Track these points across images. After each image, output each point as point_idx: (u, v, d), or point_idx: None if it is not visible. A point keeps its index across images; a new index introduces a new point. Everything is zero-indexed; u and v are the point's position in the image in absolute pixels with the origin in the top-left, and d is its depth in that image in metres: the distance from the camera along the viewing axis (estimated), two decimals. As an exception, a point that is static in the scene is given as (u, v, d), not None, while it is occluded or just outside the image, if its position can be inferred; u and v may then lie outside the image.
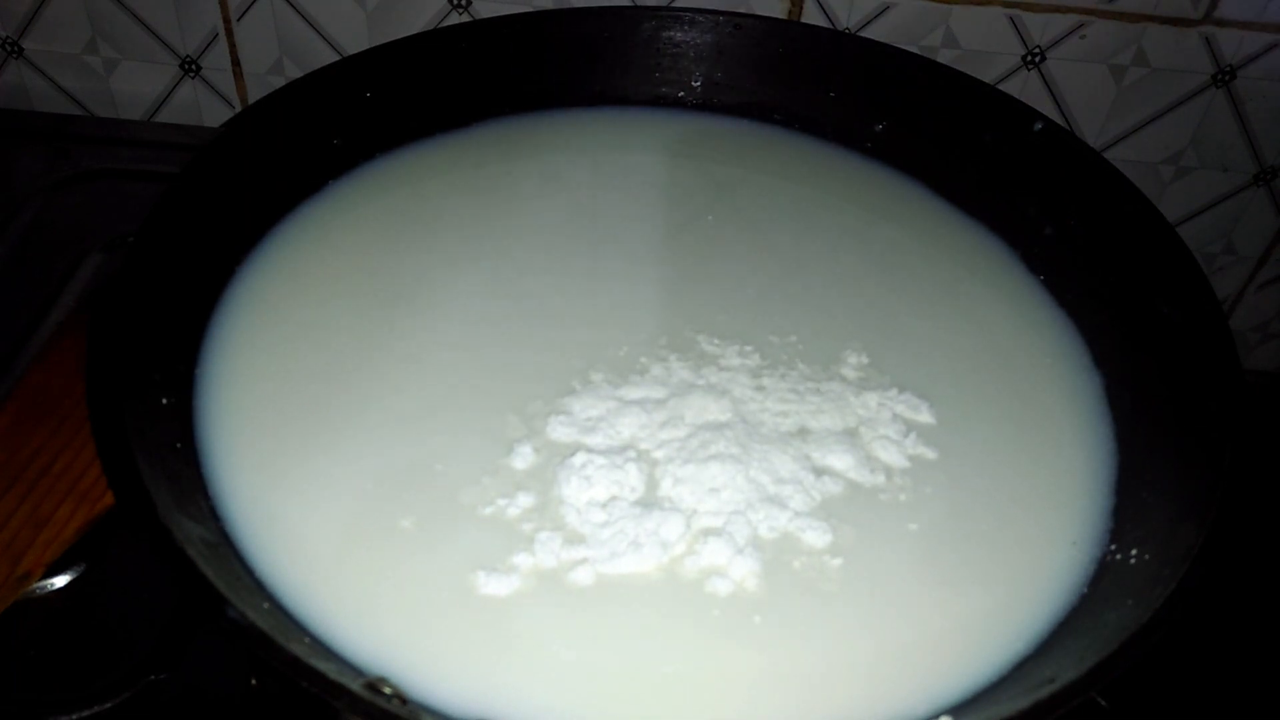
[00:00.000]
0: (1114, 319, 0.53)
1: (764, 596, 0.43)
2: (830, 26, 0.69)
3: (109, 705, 0.45)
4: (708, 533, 0.44)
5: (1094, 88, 0.69)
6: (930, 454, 0.48)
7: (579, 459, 0.45)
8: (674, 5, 0.68)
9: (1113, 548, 0.45)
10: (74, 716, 0.45)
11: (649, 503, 0.45)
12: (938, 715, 0.39)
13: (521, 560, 0.43)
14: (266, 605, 0.41)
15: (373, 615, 0.42)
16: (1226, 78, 0.68)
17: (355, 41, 0.74)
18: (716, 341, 0.52)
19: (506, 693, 0.40)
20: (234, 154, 0.55)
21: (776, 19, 0.68)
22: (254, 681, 0.46)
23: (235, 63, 0.77)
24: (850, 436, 0.48)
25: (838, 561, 0.44)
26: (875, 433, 0.48)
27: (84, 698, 0.45)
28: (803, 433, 0.48)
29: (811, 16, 0.70)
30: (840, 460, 0.47)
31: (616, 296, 0.55)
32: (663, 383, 0.49)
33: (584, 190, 0.62)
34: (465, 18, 0.72)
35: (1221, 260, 0.76)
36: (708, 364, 0.50)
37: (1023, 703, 0.36)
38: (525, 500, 0.45)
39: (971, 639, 0.42)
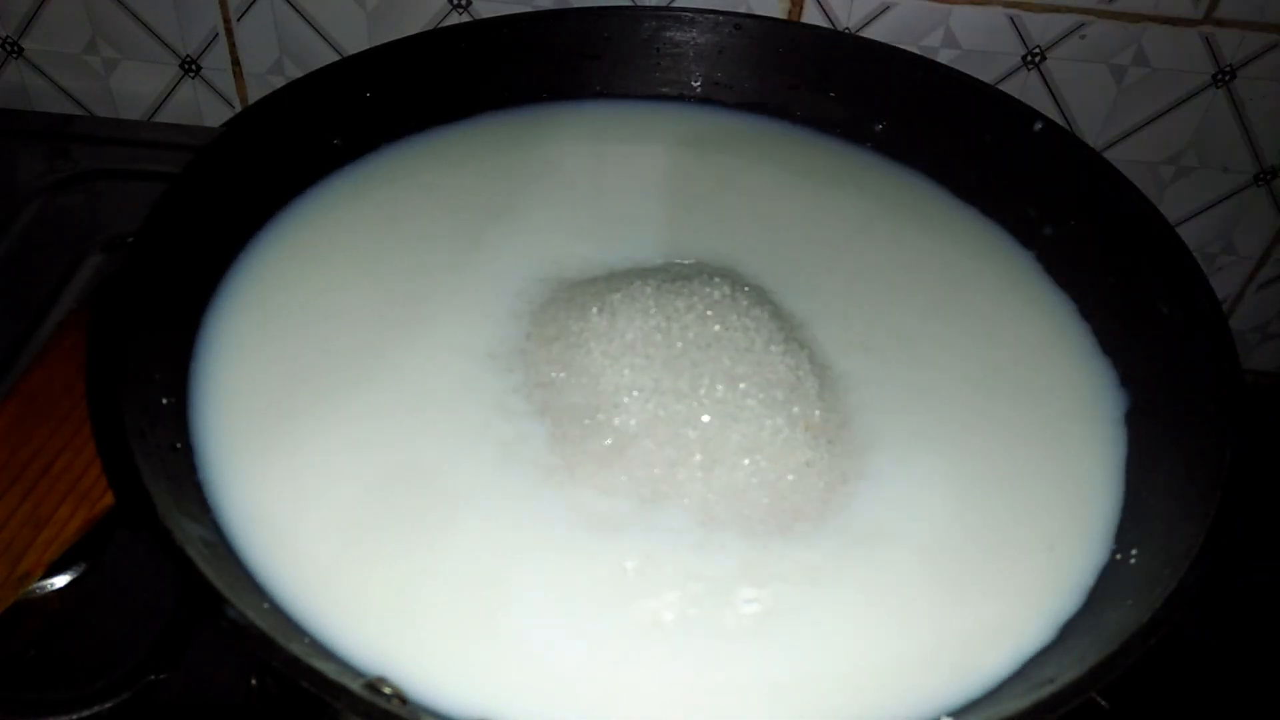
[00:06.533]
0: (1114, 318, 0.53)
1: (761, 598, 0.43)
2: (830, 26, 0.69)
3: (109, 705, 0.45)
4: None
5: (1094, 88, 0.69)
6: (929, 453, 0.48)
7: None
8: (674, 5, 0.68)
9: (1113, 547, 0.45)
10: (74, 716, 0.45)
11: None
12: (938, 717, 0.39)
13: (523, 560, 0.43)
14: (266, 605, 0.41)
15: (373, 616, 0.42)
16: (1226, 78, 0.68)
17: (355, 41, 0.74)
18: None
19: (506, 692, 0.40)
20: (234, 154, 0.55)
21: (776, 19, 0.68)
22: (254, 681, 0.46)
23: (235, 63, 0.77)
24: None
25: (836, 563, 0.44)
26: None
27: (84, 698, 0.45)
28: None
29: (811, 16, 0.70)
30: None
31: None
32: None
33: (586, 183, 0.62)
34: (465, 18, 0.72)
35: (1221, 260, 0.76)
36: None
37: (1023, 703, 0.36)
38: (526, 498, 0.45)
39: (970, 640, 0.42)
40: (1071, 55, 0.68)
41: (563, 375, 0.49)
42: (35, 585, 0.47)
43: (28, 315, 0.61)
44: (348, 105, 0.60)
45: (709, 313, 0.50)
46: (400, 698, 0.37)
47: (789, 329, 0.51)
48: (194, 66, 0.77)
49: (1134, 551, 0.44)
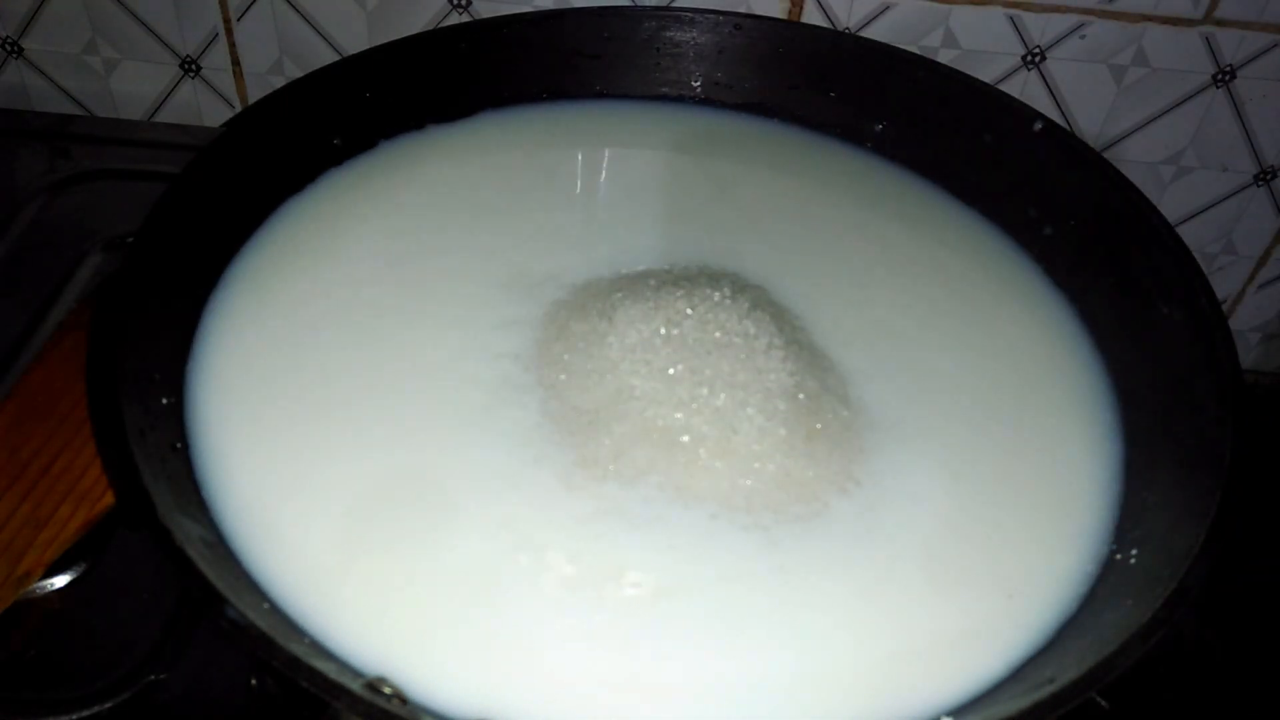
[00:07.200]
0: (1113, 319, 0.53)
1: (762, 600, 0.43)
2: (830, 26, 0.69)
3: (109, 705, 0.45)
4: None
5: (1094, 88, 0.69)
6: (929, 454, 0.48)
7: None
8: (674, 5, 0.68)
9: (1113, 547, 0.45)
10: (74, 716, 0.45)
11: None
12: (938, 717, 0.39)
13: (521, 561, 0.43)
14: (266, 605, 0.41)
15: (372, 615, 0.42)
16: (1226, 78, 0.68)
17: (355, 41, 0.74)
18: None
19: (506, 692, 0.40)
20: (234, 154, 0.55)
21: (776, 19, 0.68)
22: (254, 681, 0.46)
23: (235, 63, 0.77)
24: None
25: (837, 565, 0.44)
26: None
27: (84, 698, 0.45)
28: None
29: (811, 16, 0.70)
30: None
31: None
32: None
33: (586, 184, 0.62)
34: (465, 18, 0.72)
35: (1221, 260, 0.76)
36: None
37: (1023, 703, 0.36)
38: (525, 500, 0.45)
39: (970, 640, 0.42)
40: (1071, 55, 0.68)
41: (563, 378, 0.49)
42: (35, 585, 0.47)
43: (28, 315, 0.61)
44: (347, 105, 0.60)
45: (710, 316, 0.49)
46: (400, 698, 0.37)
47: (790, 331, 0.51)
48: (194, 66, 0.77)
49: (1134, 551, 0.44)
